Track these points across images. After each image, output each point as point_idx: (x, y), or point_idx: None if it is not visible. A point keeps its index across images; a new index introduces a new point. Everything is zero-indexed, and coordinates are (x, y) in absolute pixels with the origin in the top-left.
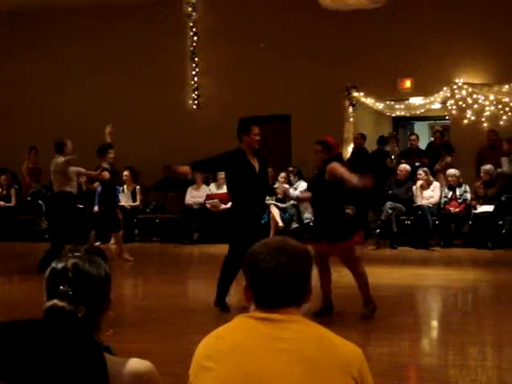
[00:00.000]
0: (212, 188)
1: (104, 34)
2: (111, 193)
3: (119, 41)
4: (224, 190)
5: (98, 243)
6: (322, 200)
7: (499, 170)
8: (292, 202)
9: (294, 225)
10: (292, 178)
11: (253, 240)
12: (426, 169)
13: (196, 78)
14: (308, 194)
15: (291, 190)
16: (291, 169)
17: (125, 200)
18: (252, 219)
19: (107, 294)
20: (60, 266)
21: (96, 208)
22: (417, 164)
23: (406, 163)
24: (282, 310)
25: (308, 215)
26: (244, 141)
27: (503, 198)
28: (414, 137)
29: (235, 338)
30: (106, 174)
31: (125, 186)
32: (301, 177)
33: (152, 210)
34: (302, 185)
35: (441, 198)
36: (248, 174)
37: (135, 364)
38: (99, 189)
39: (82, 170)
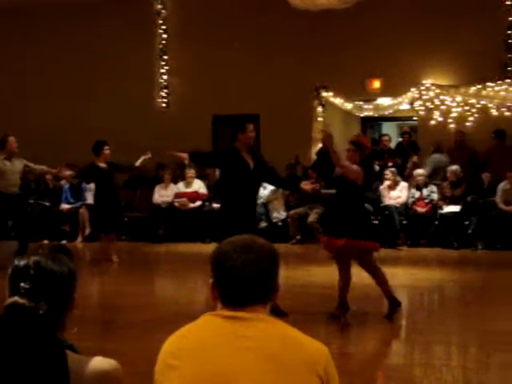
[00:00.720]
0: (180, 187)
1: (73, 32)
2: (104, 191)
3: (88, 38)
4: (192, 188)
5: (64, 241)
6: (348, 199)
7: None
8: (261, 200)
9: (263, 224)
10: None
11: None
12: (393, 169)
13: (165, 77)
14: (331, 191)
15: (263, 190)
16: None
17: (92, 198)
18: (244, 217)
19: (71, 292)
20: (22, 263)
21: (63, 205)
22: (390, 164)
23: (379, 164)
24: (249, 308)
25: (277, 214)
26: (240, 139)
27: (469, 199)
28: (386, 137)
29: (200, 337)
30: (65, 173)
31: (92, 184)
32: None
33: (119, 208)
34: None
35: (408, 198)
36: (242, 172)
37: (99, 362)
38: (66, 186)
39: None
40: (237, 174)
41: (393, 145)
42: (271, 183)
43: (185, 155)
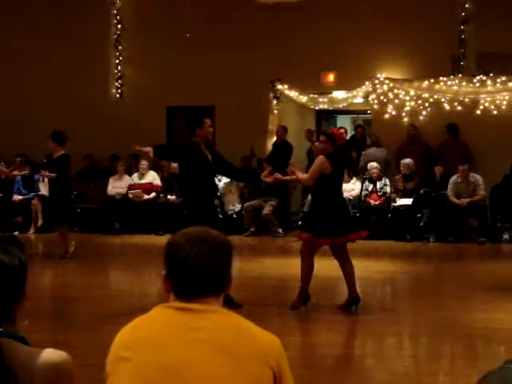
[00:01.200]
0: (135, 178)
1: (27, 22)
2: (60, 182)
3: (43, 27)
4: (146, 180)
5: (16, 232)
6: (325, 195)
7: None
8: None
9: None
10: None
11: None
12: None
13: (119, 67)
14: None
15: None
16: None
17: (45, 189)
18: (206, 209)
19: (22, 284)
20: None
21: (16, 196)
22: None
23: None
24: (201, 300)
25: (232, 207)
26: (198, 134)
27: (422, 192)
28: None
29: (152, 328)
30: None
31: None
32: None
33: (73, 200)
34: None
35: (361, 190)
36: (202, 165)
37: (49, 354)
38: (18, 177)
39: None
40: (197, 167)
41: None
42: (229, 176)
43: (149, 149)
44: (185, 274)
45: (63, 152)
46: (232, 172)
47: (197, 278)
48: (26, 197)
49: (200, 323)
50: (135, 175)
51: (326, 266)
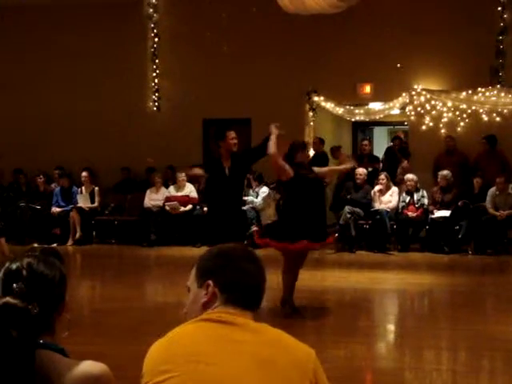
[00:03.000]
0: (171, 190)
1: (65, 35)
2: None
3: (80, 41)
4: (184, 192)
5: (55, 244)
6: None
7: None
8: (251, 205)
9: (254, 228)
10: (252, 182)
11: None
12: (386, 173)
13: (156, 80)
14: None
15: (253, 199)
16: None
17: (83, 201)
18: (226, 222)
19: (62, 295)
20: (14, 265)
21: (54, 209)
22: (369, 169)
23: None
24: (245, 313)
25: (269, 221)
26: (222, 147)
27: (460, 203)
28: (365, 142)
29: (193, 341)
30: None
31: (83, 188)
32: (261, 181)
33: (110, 212)
34: (263, 190)
35: (399, 202)
36: (218, 180)
37: (88, 366)
38: (57, 189)
39: None
40: (214, 180)
41: (383, 149)
42: (253, 160)
43: (200, 171)
44: (247, 285)
45: None
46: (253, 154)
47: (257, 291)
48: (64, 209)
49: (241, 336)
50: (172, 187)
51: (349, 278)
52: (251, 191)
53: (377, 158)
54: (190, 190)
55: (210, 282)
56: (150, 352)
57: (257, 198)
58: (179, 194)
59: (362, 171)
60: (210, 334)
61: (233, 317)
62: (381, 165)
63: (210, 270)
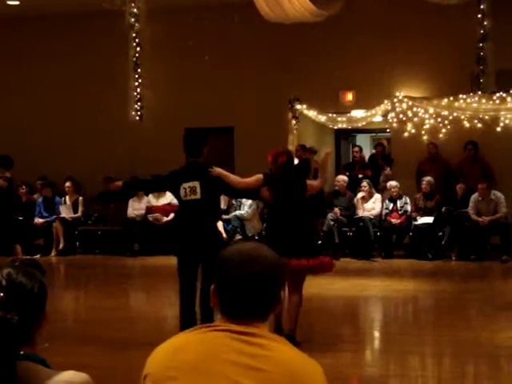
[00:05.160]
0: (151, 199)
1: (47, 45)
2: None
3: (62, 51)
4: (164, 201)
5: (38, 255)
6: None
7: None
8: (236, 213)
9: (238, 237)
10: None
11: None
12: (368, 180)
13: (139, 90)
14: None
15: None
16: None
17: (66, 211)
18: (191, 234)
19: (42, 306)
20: None
21: (37, 220)
22: (360, 176)
23: (350, 175)
24: (248, 322)
25: (253, 231)
26: (204, 154)
27: (443, 210)
28: (356, 149)
29: (201, 349)
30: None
31: (67, 197)
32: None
33: (94, 222)
34: (248, 202)
35: (382, 209)
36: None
37: (70, 376)
38: (39, 200)
39: None
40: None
41: (366, 157)
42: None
43: (117, 185)
44: (232, 294)
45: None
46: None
47: (243, 300)
48: (47, 219)
49: (249, 349)
50: (151, 196)
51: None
52: (233, 201)
53: (368, 164)
54: (171, 197)
55: (213, 285)
56: (153, 359)
57: (240, 208)
58: (160, 202)
59: (341, 178)
60: (219, 344)
61: (239, 327)
62: (370, 172)
63: (215, 272)
